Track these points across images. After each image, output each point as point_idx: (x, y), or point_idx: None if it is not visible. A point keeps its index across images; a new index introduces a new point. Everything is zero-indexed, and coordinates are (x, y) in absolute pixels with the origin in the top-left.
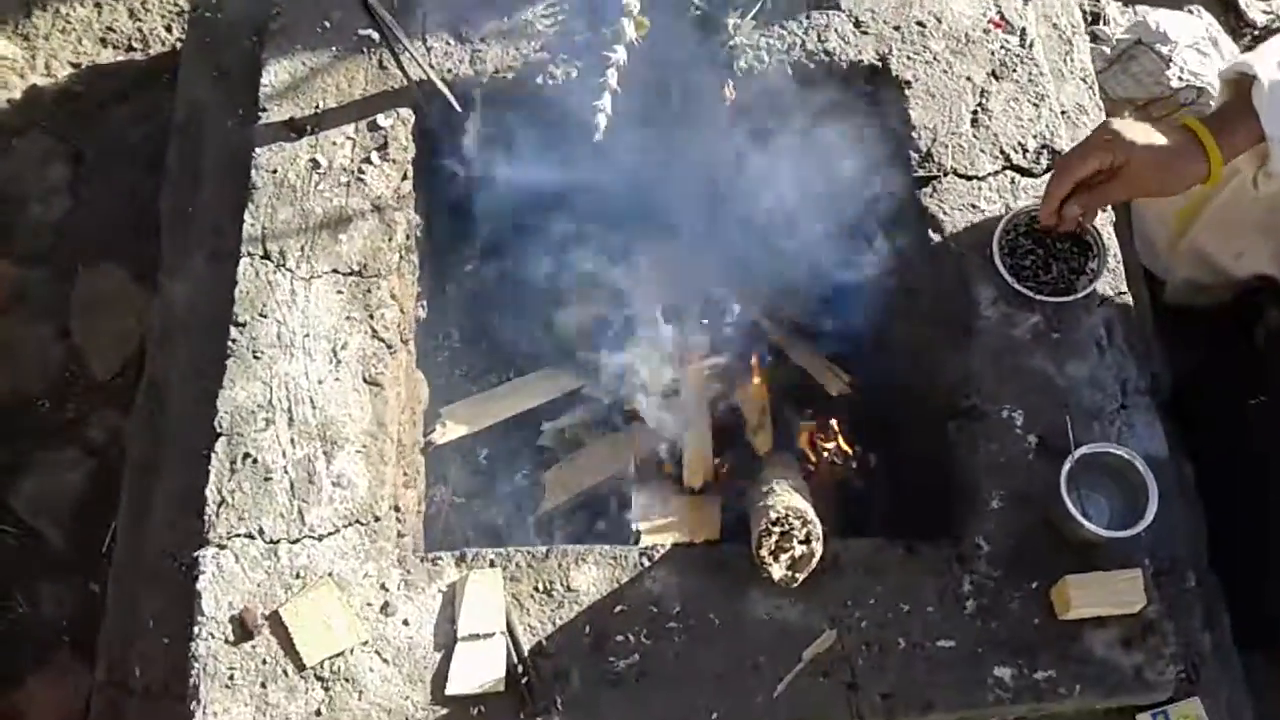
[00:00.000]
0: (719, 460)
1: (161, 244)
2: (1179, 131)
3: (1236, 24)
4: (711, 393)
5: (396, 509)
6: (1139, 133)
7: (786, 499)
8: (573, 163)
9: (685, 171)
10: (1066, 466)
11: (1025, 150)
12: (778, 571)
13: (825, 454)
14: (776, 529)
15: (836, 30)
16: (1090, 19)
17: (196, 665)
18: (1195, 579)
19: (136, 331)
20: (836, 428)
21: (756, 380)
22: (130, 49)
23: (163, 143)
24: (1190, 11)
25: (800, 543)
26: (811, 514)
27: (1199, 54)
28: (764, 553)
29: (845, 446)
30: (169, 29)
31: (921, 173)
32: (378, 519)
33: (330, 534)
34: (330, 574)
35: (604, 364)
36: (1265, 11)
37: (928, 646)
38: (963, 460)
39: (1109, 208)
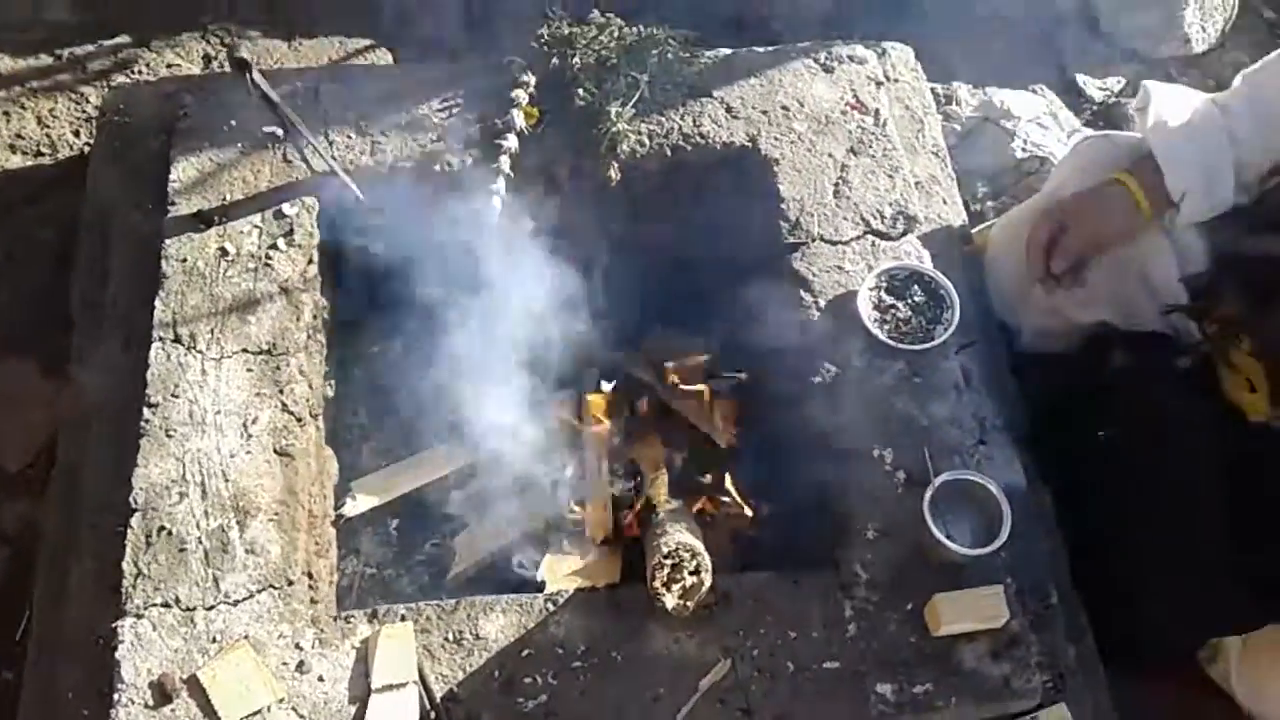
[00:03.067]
0: (624, 512)
1: (73, 336)
2: (1108, 182)
3: (1077, 101)
4: (610, 452)
5: (309, 574)
6: (1072, 194)
7: (678, 536)
8: (469, 244)
9: (575, 247)
10: (928, 494)
11: (883, 217)
12: (670, 601)
13: (720, 505)
14: (668, 561)
15: (710, 115)
16: (943, 100)
17: None
18: (1056, 596)
19: (47, 423)
20: (729, 482)
21: (652, 438)
22: (39, 154)
23: (72, 241)
24: (1033, 91)
25: (690, 574)
26: (700, 548)
27: (1040, 128)
28: (657, 584)
29: (737, 498)
30: (77, 134)
31: (791, 239)
32: (291, 583)
33: (245, 599)
34: (246, 636)
35: (507, 432)
36: (1101, 89)
37: (815, 669)
38: (839, 497)
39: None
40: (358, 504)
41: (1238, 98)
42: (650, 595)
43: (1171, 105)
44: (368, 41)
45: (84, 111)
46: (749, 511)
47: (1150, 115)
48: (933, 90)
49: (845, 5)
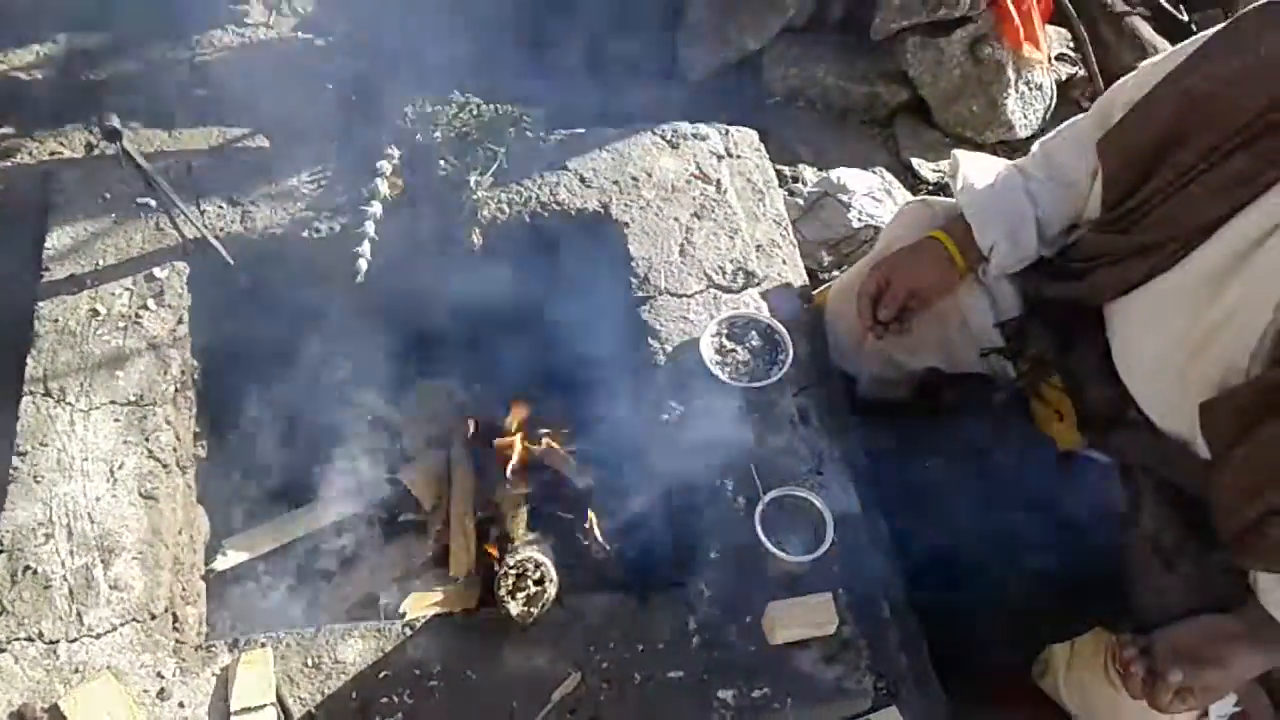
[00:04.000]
0: (487, 550)
1: None
2: (926, 239)
3: (913, 182)
4: (473, 494)
5: (174, 615)
6: (894, 250)
7: (525, 552)
8: (338, 309)
9: (444, 306)
10: (759, 508)
11: (724, 272)
12: (515, 608)
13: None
14: (513, 571)
15: (565, 185)
16: (790, 179)
17: None
18: (889, 611)
19: None
20: (591, 519)
21: (515, 481)
22: None
23: None
24: (872, 171)
25: (535, 583)
26: (546, 561)
27: (874, 200)
28: (502, 592)
29: (598, 535)
30: None
31: (640, 294)
32: (154, 616)
33: (108, 632)
34: (108, 667)
35: (373, 486)
36: (934, 170)
37: (660, 679)
38: (685, 524)
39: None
40: (228, 558)
41: (1034, 162)
42: (497, 604)
43: (978, 170)
44: (247, 130)
45: None
46: (607, 547)
47: (959, 179)
48: (779, 171)
49: (701, 101)
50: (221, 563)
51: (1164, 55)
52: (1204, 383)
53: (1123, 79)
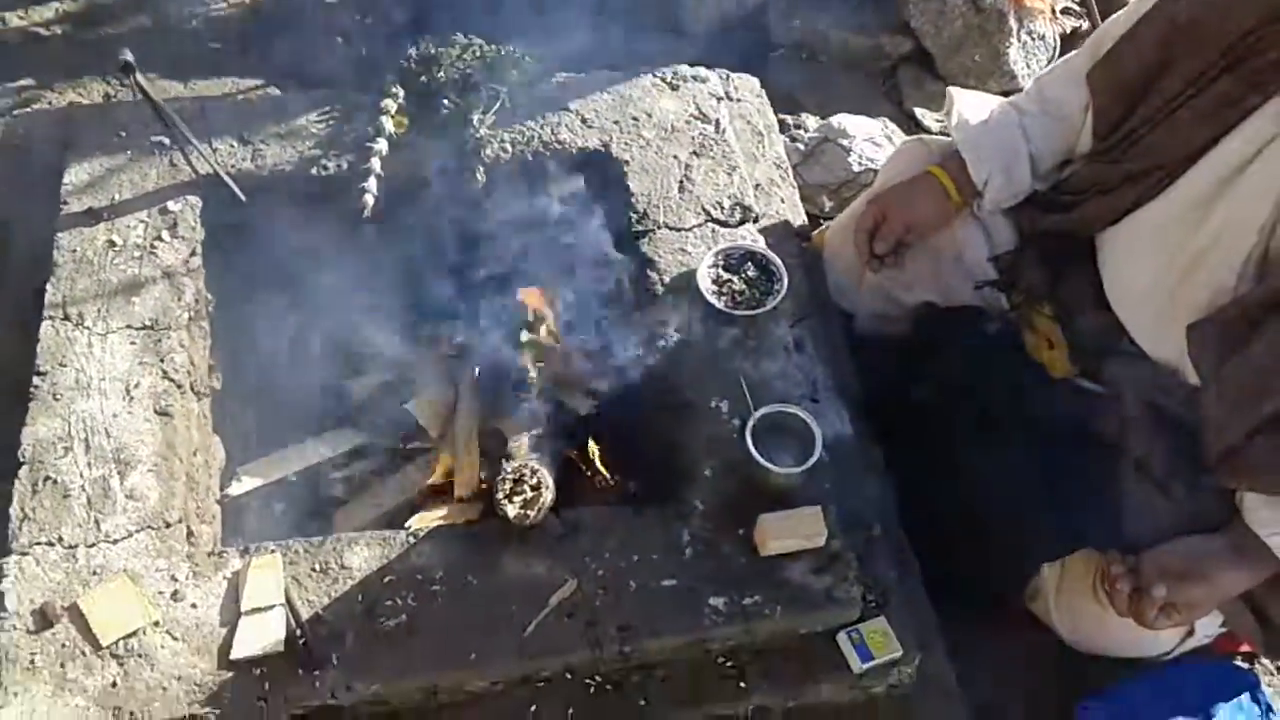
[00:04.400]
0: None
1: None
2: (921, 174)
3: (915, 130)
4: (479, 420)
5: (189, 530)
6: (890, 185)
7: (521, 459)
8: (348, 243)
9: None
10: (750, 423)
11: (722, 207)
12: (512, 510)
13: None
14: (511, 475)
15: (566, 125)
16: (791, 126)
17: None
18: (880, 529)
19: None
20: (595, 452)
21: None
22: None
23: None
24: (874, 119)
25: (531, 488)
26: (542, 469)
27: (874, 145)
28: (500, 496)
29: (602, 468)
30: None
31: (639, 228)
32: (168, 525)
33: (124, 538)
34: (124, 570)
35: (386, 416)
36: (937, 120)
37: (654, 586)
38: (681, 443)
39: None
40: (243, 484)
41: (1028, 98)
42: (495, 508)
43: (972, 106)
44: (259, 81)
45: None
46: (610, 479)
47: (954, 116)
48: (781, 120)
49: (705, 54)
50: (236, 488)
51: None
52: (1192, 308)
53: (1115, 14)
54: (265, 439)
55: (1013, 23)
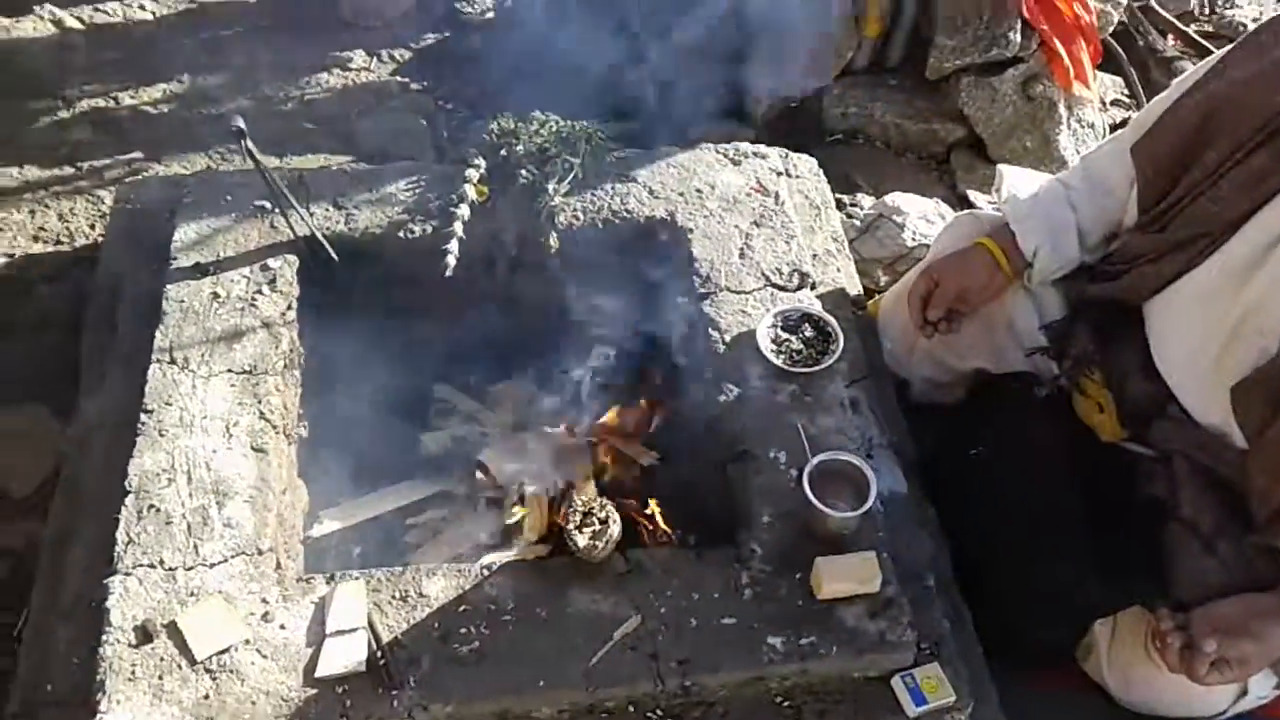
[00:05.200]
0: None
1: (80, 378)
2: (973, 246)
3: (966, 210)
4: (549, 472)
5: (277, 561)
6: (943, 255)
7: (590, 494)
8: (431, 303)
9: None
10: (807, 469)
11: (780, 273)
12: (582, 540)
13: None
14: (581, 509)
15: (635, 196)
16: (847, 204)
17: (103, 665)
18: (934, 580)
19: (54, 456)
20: (654, 507)
21: (585, 463)
22: (59, 243)
23: (85, 313)
24: (928, 198)
25: (600, 521)
26: (610, 504)
27: (927, 222)
28: (571, 526)
29: (661, 522)
30: (92, 227)
31: (703, 291)
32: (261, 552)
33: (220, 562)
34: (220, 591)
35: (459, 466)
36: (990, 202)
37: (714, 624)
38: (740, 492)
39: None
40: (325, 526)
41: (1076, 174)
42: (566, 540)
43: (1021, 182)
44: (350, 157)
45: (99, 210)
46: (671, 534)
47: (1004, 190)
48: (838, 199)
49: (765, 137)
50: (318, 529)
51: (1192, 70)
52: (1237, 374)
53: (1158, 96)
54: (345, 485)
55: (1063, 111)
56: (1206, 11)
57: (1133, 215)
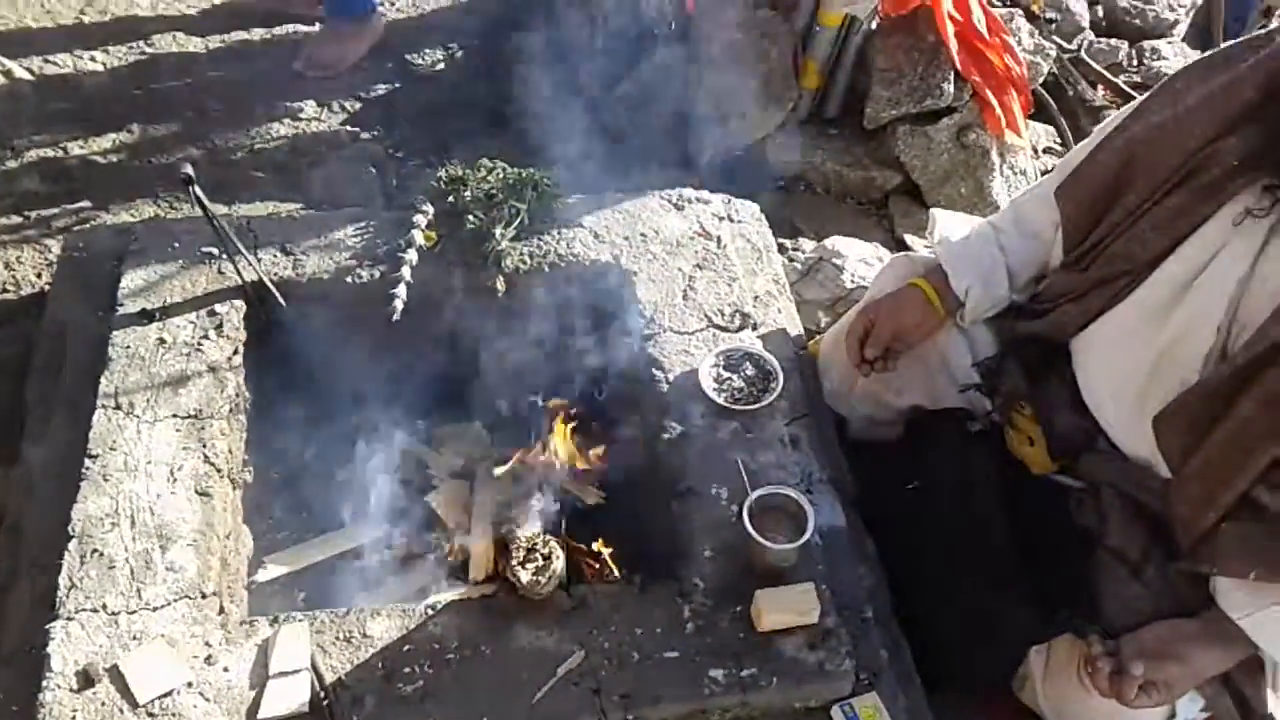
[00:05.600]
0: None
1: (25, 424)
2: (908, 286)
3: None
4: (493, 513)
5: (220, 607)
6: (879, 296)
7: (534, 533)
8: (378, 347)
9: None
10: (747, 502)
11: (723, 314)
12: (525, 576)
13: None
14: (524, 545)
15: (580, 240)
16: (790, 247)
17: (42, 711)
18: (872, 612)
19: None
20: (600, 546)
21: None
22: (4, 291)
23: (32, 358)
24: (867, 242)
25: (543, 557)
26: (553, 539)
27: (866, 265)
28: (514, 563)
29: (609, 561)
30: (39, 275)
31: (647, 332)
32: (205, 595)
33: (163, 606)
34: (162, 635)
35: (402, 510)
36: (927, 247)
37: (657, 657)
38: (683, 528)
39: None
40: (269, 571)
41: (1004, 217)
42: (509, 576)
43: (953, 225)
44: (299, 205)
45: (47, 259)
46: (618, 574)
47: (936, 233)
48: (780, 243)
49: (708, 185)
50: (263, 574)
51: (1112, 116)
52: (1160, 406)
53: (1082, 142)
54: (290, 533)
55: (995, 158)
56: (1134, 63)
57: (1058, 255)
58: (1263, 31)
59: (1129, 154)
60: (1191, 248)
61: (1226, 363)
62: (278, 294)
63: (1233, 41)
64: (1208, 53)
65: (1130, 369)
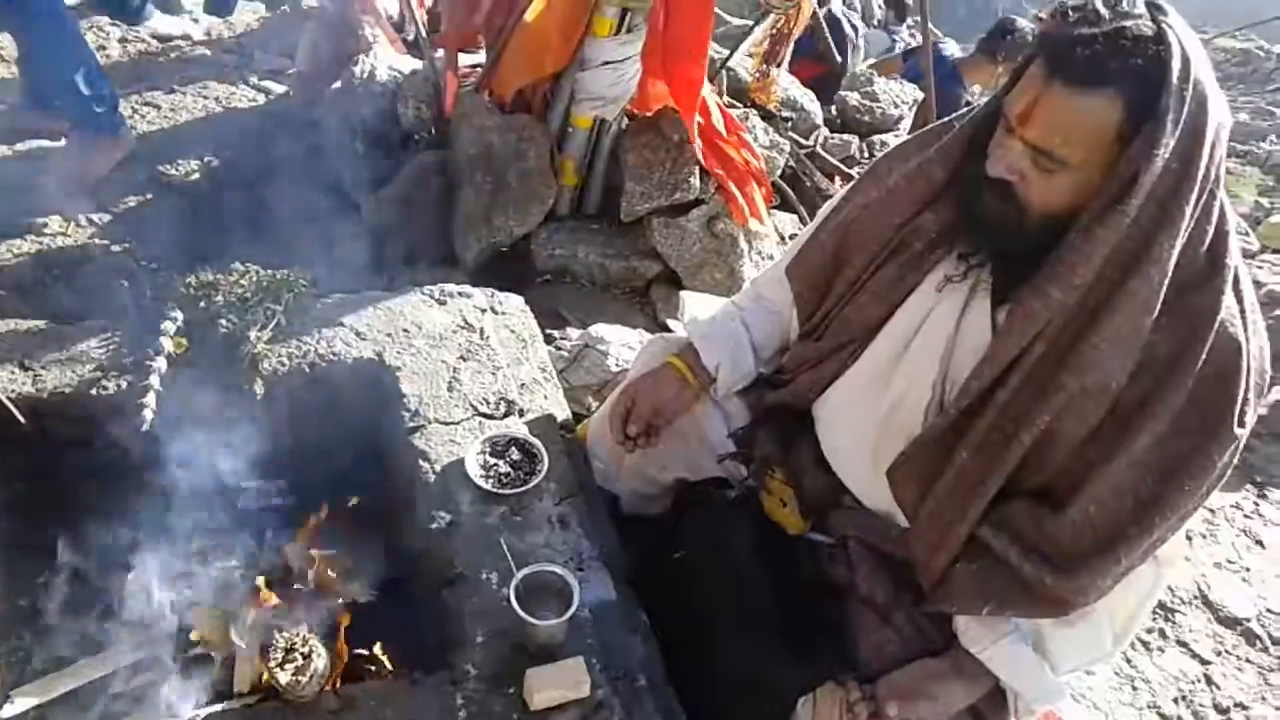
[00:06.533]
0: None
1: None
2: (663, 365)
3: None
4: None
5: None
6: (637, 376)
7: (294, 633)
8: (128, 462)
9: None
10: (513, 582)
11: (488, 402)
12: (284, 678)
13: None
14: (282, 645)
15: (341, 338)
16: (557, 337)
17: None
18: (645, 680)
19: None
20: (379, 649)
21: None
22: None
23: None
24: (632, 328)
25: (303, 655)
26: (314, 639)
27: (629, 349)
28: (273, 664)
29: (386, 662)
30: None
31: (412, 424)
32: None
33: None
34: None
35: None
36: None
37: None
38: (454, 615)
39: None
40: (15, 705)
41: (747, 296)
42: (268, 679)
43: (701, 306)
44: (44, 322)
45: None
46: (393, 671)
47: (686, 314)
48: (548, 333)
49: (476, 282)
50: (9, 710)
51: (833, 199)
52: (892, 460)
53: (808, 225)
54: (43, 664)
55: (744, 244)
56: (866, 155)
57: (796, 328)
58: (946, 120)
59: (845, 232)
60: (905, 313)
61: (943, 415)
62: (16, 410)
63: (926, 128)
64: (906, 137)
65: (863, 427)
